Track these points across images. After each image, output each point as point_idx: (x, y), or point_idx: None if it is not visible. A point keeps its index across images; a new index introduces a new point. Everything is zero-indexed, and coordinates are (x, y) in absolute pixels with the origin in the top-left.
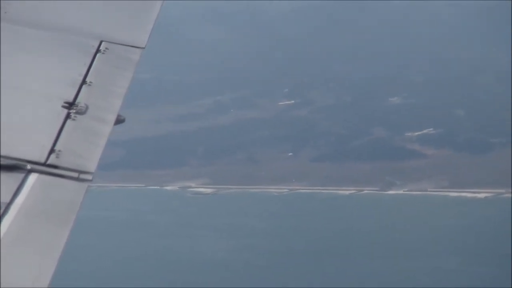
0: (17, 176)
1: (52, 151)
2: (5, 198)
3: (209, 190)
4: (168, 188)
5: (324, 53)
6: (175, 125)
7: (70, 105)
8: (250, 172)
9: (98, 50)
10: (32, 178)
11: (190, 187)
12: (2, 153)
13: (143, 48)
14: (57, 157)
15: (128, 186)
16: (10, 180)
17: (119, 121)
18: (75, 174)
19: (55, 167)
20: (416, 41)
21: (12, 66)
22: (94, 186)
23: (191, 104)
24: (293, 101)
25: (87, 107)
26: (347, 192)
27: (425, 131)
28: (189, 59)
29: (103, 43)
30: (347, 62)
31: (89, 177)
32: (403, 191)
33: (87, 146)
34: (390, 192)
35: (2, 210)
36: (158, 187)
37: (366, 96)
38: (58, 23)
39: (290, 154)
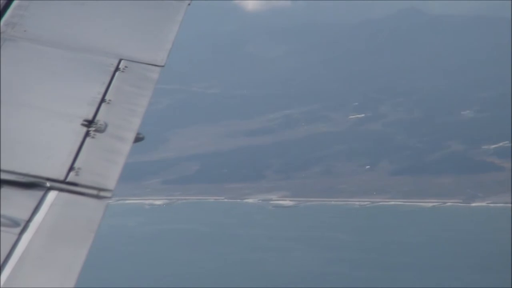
0: (36, 194)
1: (71, 168)
2: (24, 216)
3: (290, 203)
4: (249, 201)
5: (390, 67)
6: (247, 139)
7: (89, 123)
8: (329, 185)
9: (117, 69)
10: (52, 195)
11: (271, 199)
12: (22, 171)
13: (163, 66)
14: (76, 174)
15: (207, 198)
16: (29, 197)
17: (138, 139)
18: (94, 192)
19: (75, 184)
20: (482, 55)
21: (32, 85)
22: (174, 199)
23: (261, 119)
24: (363, 115)
25: (106, 125)
26: (429, 205)
27: (501, 144)
28: (254, 74)
29: (122, 61)
30: (413, 76)
31: (108, 194)
32: (487, 203)
33: (106, 163)
34: (474, 204)
35: (21, 228)
36: (239, 200)
37: (437, 110)
38: (77, 42)
39: (368, 167)
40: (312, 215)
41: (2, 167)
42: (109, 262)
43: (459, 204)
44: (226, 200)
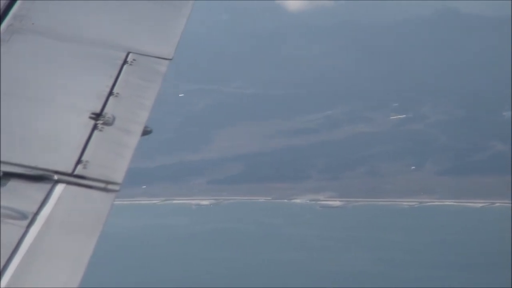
0: (44, 187)
1: (79, 161)
2: (32, 208)
3: (338, 203)
4: (297, 201)
5: (429, 67)
6: (289, 139)
7: (97, 116)
8: (376, 185)
9: (125, 62)
10: (59, 188)
11: (318, 200)
12: (30, 164)
13: (170, 59)
14: (84, 167)
15: (254, 199)
16: (37, 190)
17: (146, 132)
18: (102, 185)
19: (82, 177)
20: None
21: (39, 78)
22: (221, 199)
23: (302, 119)
24: (404, 115)
25: (114, 118)
26: (478, 205)
27: None
28: (292, 74)
29: (130, 54)
30: (452, 77)
31: (116, 187)
32: None
33: (114, 157)
34: None
35: (29, 220)
36: (286, 200)
37: (479, 111)
38: (85, 35)
39: (413, 167)
40: (361, 216)
41: (10, 160)
42: (159, 261)
43: (508, 204)
44: (273, 200)
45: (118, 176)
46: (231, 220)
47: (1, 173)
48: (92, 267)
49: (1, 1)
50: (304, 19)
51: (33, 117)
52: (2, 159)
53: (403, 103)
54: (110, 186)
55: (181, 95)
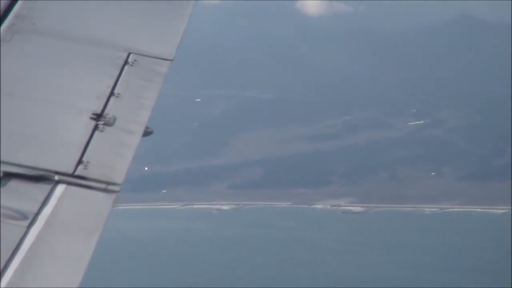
0: (45, 187)
1: (80, 162)
2: (33, 209)
3: (359, 209)
4: (318, 206)
5: (447, 73)
6: (308, 144)
7: (98, 116)
8: (397, 191)
9: (126, 62)
10: (60, 189)
11: (340, 205)
12: (30, 164)
13: (172, 60)
14: (85, 168)
15: (275, 204)
16: (37, 190)
17: (147, 133)
18: (102, 186)
19: (83, 178)
20: None
21: (40, 78)
22: (241, 204)
23: (321, 124)
24: (422, 121)
25: (115, 119)
26: (500, 211)
27: None
28: (310, 79)
29: (131, 55)
30: (469, 83)
31: (116, 188)
32: None
33: (115, 157)
34: None
35: (29, 221)
36: (307, 206)
37: (496, 116)
38: (86, 36)
39: (433, 173)
40: (383, 221)
41: (11, 160)
42: (180, 266)
43: None
44: (294, 205)
45: (119, 176)
46: (252, 225)
47: (2, 173)
48: (109, 270)
49: (2, 1)
50: (322, 24)
51: (33, 117)
52: (2, 159)
53: (421, 109)
54: (110, 187)
55: (198, 100)
